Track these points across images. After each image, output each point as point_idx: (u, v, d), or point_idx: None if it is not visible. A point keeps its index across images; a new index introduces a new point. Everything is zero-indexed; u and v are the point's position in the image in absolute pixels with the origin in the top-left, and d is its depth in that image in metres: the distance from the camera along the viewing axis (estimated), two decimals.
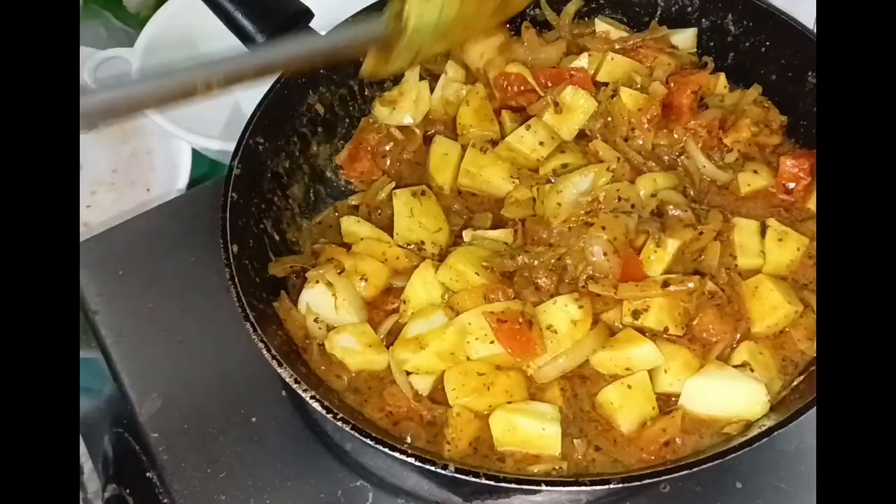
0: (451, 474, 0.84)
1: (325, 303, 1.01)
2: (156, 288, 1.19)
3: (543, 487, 0.86)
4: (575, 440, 0.93)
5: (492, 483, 0.84)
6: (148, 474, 1.03)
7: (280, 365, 0.90)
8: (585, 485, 0.85)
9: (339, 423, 0.86)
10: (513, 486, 0.88)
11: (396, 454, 0.85)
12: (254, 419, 1.06)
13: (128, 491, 1.06)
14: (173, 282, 1.19)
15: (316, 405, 0.88)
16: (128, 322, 1.16)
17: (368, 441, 0.86)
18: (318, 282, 1.02)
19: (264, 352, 0.91)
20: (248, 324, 0.93)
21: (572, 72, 1.16)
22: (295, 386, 0.89)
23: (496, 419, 0.93)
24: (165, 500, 1.01)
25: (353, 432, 0.86)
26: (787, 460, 1.01)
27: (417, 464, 0.85)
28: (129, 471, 1.07)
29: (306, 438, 1.05)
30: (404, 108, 1.20)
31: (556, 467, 0.91)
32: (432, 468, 0.85)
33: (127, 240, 1.25)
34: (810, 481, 0.97)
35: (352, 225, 1.10)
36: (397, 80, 1.23)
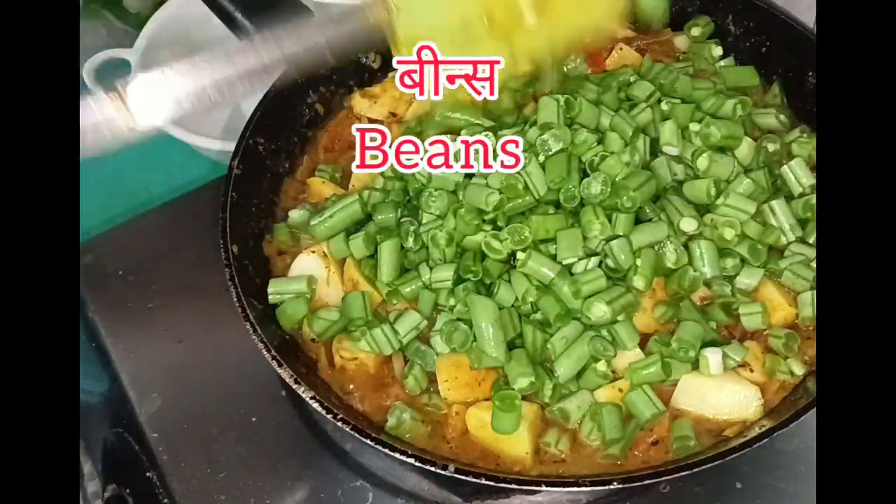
0: (451, 475, 0.84)
1: (317, 274, 1.02)
2: (156, 288, 1.19)
3: (543, 488, 0.86)
4: (551, 442, 0.92)
5: (492, 483, 0.84)
6: (148, 474, 1.03)
7: (280, 365, 0.90)
8: (586, 485, 0.85)
9: (339, 424, 0.86)
10: (513, 486, 0.88)
11: (396, 454, 0.85)
12: (254, 419, 1.06)
13: (128, 491, 1.06)
14: (173, 282, 1.19)
15: (316, 405, 0.88)
16: (128, 322, 1.16)
17: (368, 441, 0.86)
18: (314, 252, 1.03)
19: (264, 352, 0.91)
20: (248, 324, 0.93)
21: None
22: (295, 386, 0.89)
23: (470, 416, 0.93)
24: (165, 500, 1.01)
25: (353, 432, 0.86)
26: (787, 460, 1.00)
27: (417, 464, 0.85)
28: (129, 471, 1.07)
29: (306, 438, 1.05)
30: (385, 102, 1.20)
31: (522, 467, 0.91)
32: (432, 468, 0.85)
33: (127, 240, 1.25)
34: (810, 481, 0.97)
35: (317, 185, 1.12)
36: (382, 77, 1.24)
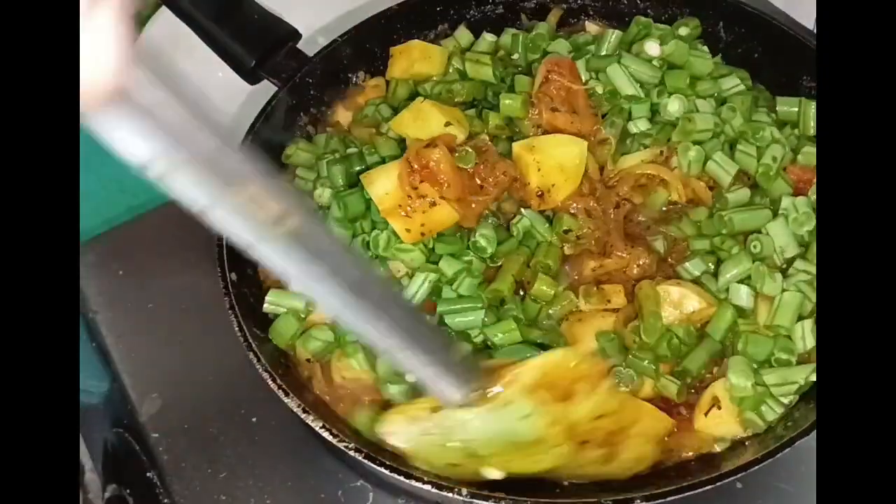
0: (467, 500, 0.83)
1: None
2: (156, 288, 1.19)
3: None
4: None
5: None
6: (148, 474, 1.03)
7: (287, 395, 0.90)
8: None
9: (353, 454, 0.86)
10: None
11: (412, 482, 0.84)
12: (254, 419, 1.06)
13: (128, 491, 1.06)
14: (173, 282, 1.19)
15: (326, 434, 0.88)
16: (128, 322, 1.16)
17: (383, 469, 0.85)
18: None
19: (269, 381, 0.91)
20: (252, 353, 0.93)
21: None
22: (303, 416, 0.89)
23: None
24: (165, 500, 1.01)
25: (366, 461, 0.85)
26: (787, 460, 1.00)
27: (434, 490, 0.83)
28: (129, 471, 1.07)
29: (306, 438, 1.05)
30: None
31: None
32: (448, 494, 0.83)
33: (127, 240, 1.25)
34: (810, 481, 0.97)
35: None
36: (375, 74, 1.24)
